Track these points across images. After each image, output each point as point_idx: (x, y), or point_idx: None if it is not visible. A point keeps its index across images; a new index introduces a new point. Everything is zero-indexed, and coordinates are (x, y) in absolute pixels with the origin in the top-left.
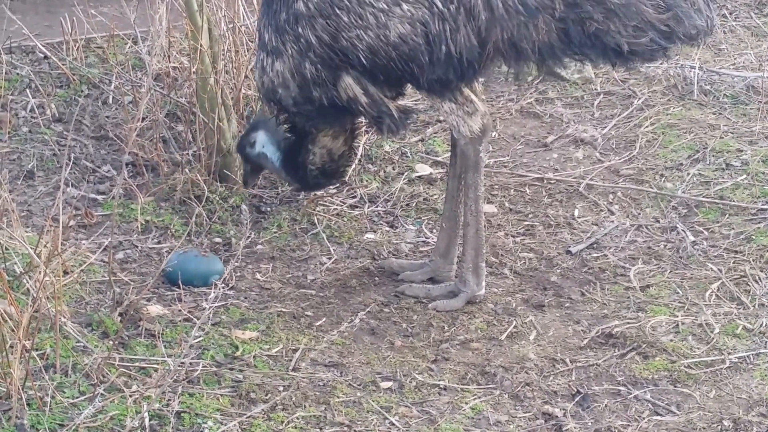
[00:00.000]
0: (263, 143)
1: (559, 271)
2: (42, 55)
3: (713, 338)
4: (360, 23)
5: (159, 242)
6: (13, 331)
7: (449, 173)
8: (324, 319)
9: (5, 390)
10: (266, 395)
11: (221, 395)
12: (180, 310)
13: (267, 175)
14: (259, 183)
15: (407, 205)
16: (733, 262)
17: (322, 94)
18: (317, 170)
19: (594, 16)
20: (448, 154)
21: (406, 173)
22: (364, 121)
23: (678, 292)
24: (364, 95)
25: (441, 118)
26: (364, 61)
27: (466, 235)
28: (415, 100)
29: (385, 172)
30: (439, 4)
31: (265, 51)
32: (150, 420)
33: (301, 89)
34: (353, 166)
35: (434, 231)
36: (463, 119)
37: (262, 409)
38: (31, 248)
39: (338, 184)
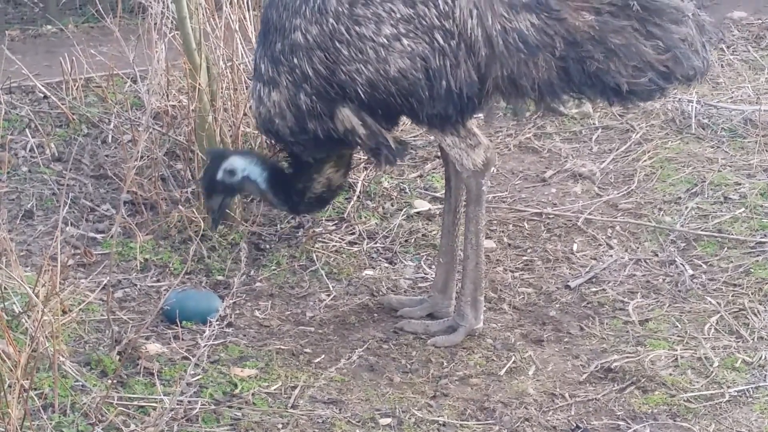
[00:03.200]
0: (244, 167)
1: (558, 305)
2: (41, 95)
3: (712, 372)
4: (360, 57)
5: (158, 280)
6: (11, 370)
7: (444, 208)
8: (323, 356)
9: (3, 430)
10: None
11: None
12: (179, 348)
13: (265, 212)
14: (258, 220)
15: (406, 241)
16: (732, 296)
17: (317, 126)
18: (314, 197)
19: (595, 56)
20: None
21: (404, 209)
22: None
23: (677, 326)
24: (362, 126)
25: (446, 151)
26: (363, 96)
27: (465, 269)
28: (414, 136)
29: (383, 208)
30: (440, 40)
31: (261, 81)
32: None
33: (297, 120)
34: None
35: (433, 267)
36: (466, 152)
37: None
38: (29, 287)
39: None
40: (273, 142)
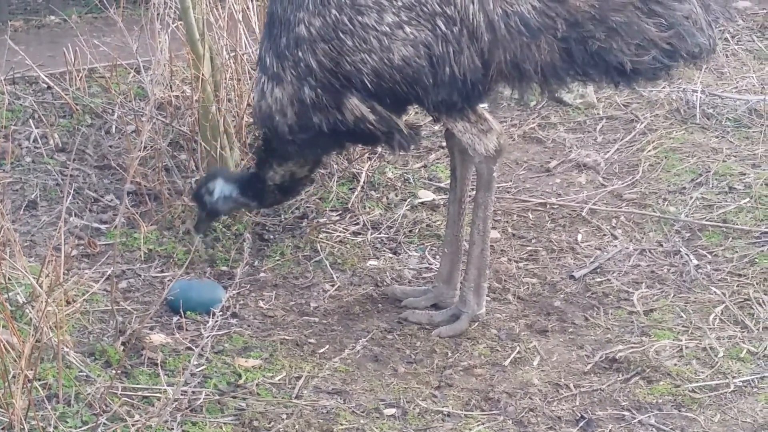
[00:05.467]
0: (221, 188)
1: (562, 296)
2: (45, 86)
3: (717, 362)
4: (364, 47)
5: (162, 271)
6: (15, 361)
7: (449, 198)
8: (327, 347)
9: (8, 420)
10: (269, 423)
11: (224, 424)
12: (182, 339)
13: None
14: (262, 211)
15: (410, 231)
16: (737, 286)
17: (323, 120)
18: (275, 186)
19: (596, 35)
20: None
21: (409, 199)
22: (367, 147)
23: (682, 316)
24: (372, 113)
25: (458, 137)
26: (369, 85)
27: (470, 254)
28: (418, 126)
29: (387, 198)
30: (442, 26)
31: (266, 75)
32: None
33: (299, 117)
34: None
35: (437, 257)
36: (478, 137)
37: None
38: (33, 278)
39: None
40: (267, 136)
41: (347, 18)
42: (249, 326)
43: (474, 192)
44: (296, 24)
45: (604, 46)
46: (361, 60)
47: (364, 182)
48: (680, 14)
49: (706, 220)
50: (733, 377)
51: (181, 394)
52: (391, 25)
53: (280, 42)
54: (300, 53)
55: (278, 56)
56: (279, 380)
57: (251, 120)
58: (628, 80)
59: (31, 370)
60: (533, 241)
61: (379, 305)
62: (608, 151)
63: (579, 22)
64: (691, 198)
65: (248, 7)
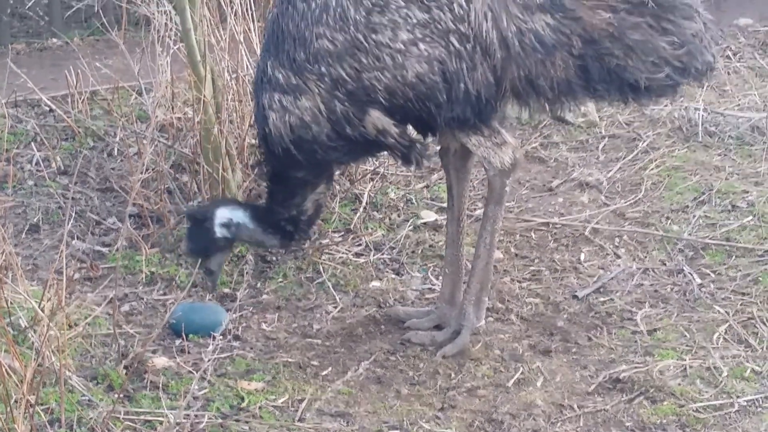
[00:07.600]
0: (231, 216)
1: (565, 316)
2: (47, 108)
3: (722, 381)
4: (377, 65)
5: (164, 293)
6: (17, 385)
7: (448, 217)
8: (330, 369)
9: None
10: None
11: None
12: (183, 363)
13: None
14: None
15: (413, 252)
16: (741, 305)
17: (353, 131)
18: (306, 219)
19: (614, 53)
20: None
21: (411, 220)
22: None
23: (685, 336)
24: (395, 126)
25: (473, 151)
26: (384, 102)
27: (474, 267)
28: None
29: (390, 219)
30: (456, 43)
31: (278, 91)
32: None
33: (332, 124)
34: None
35: (440, 278)
36: (493, 150)
37: None
38: (35, 302)
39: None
40: (296, 154)
41: (362, 36)
42: (251, 349)
43: (472, 211)
44: (314, 39)
45: (621, 63)
46: (375, 77)
47: (366, 203)
48: (690, 32)
49: (709, 239)
50: (738, 396)
51: (184, 418)
52: (405, 42)
53: (296, 56)
54: (323, 67)
55: (296, 70)
56: (282, 403)
57: (253, 141)
58: (639, 97)
59: (33, 394)
60: (536, 260)
61: (382, 327)
62: (611, 170)
63: (596, 40)
64: (694, 216)
65: (250, 29)
